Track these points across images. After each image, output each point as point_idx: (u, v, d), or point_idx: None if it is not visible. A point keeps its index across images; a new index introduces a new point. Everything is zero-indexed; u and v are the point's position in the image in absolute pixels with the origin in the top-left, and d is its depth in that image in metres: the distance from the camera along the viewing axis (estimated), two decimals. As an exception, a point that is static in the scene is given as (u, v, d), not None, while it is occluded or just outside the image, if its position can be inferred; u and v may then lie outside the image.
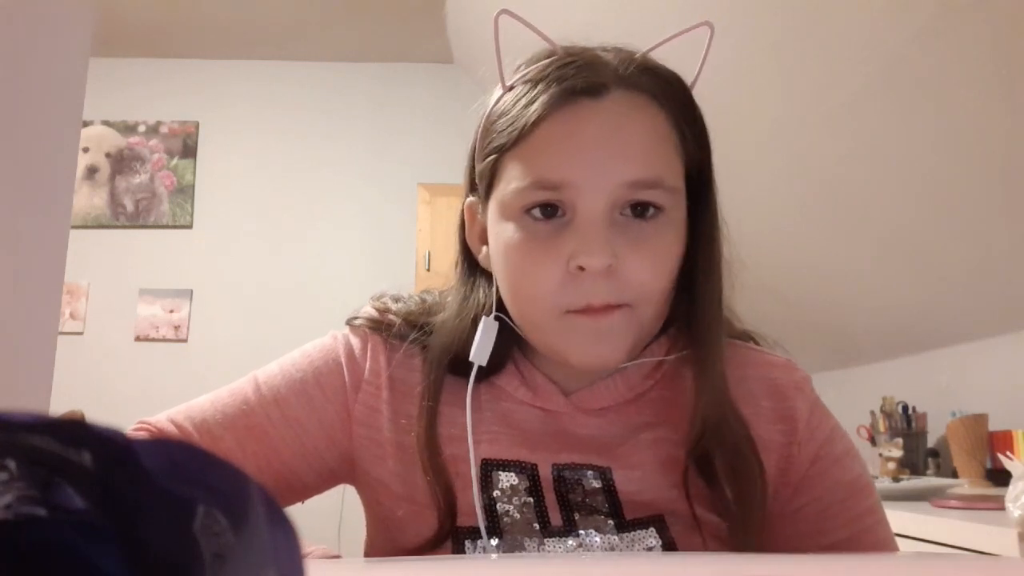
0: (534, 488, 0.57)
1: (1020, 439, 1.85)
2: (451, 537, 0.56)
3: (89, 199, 3.83)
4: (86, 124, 3.87)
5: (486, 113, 0.58)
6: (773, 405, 0.61)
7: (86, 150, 3.87)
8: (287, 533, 0.19)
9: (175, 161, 3.91)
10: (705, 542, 0.56)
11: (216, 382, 0.66)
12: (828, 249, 2.42)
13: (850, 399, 2.89)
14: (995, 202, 1.76)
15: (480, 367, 0.59)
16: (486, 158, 0.56)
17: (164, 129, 3.94)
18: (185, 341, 3.71)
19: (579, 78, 0.53)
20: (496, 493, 0.56)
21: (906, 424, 2.22)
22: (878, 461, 2.07)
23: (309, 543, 0.55)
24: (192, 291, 3.76)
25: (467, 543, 0.55)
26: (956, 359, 2.26)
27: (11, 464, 0.17)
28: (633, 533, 0.55)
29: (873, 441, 2.31)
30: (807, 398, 0.62)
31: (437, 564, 0.50)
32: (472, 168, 0.61)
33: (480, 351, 0.58)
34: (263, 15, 3.57)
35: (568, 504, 0.56)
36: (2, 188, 0.68)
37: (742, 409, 0.58)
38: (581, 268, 0.52)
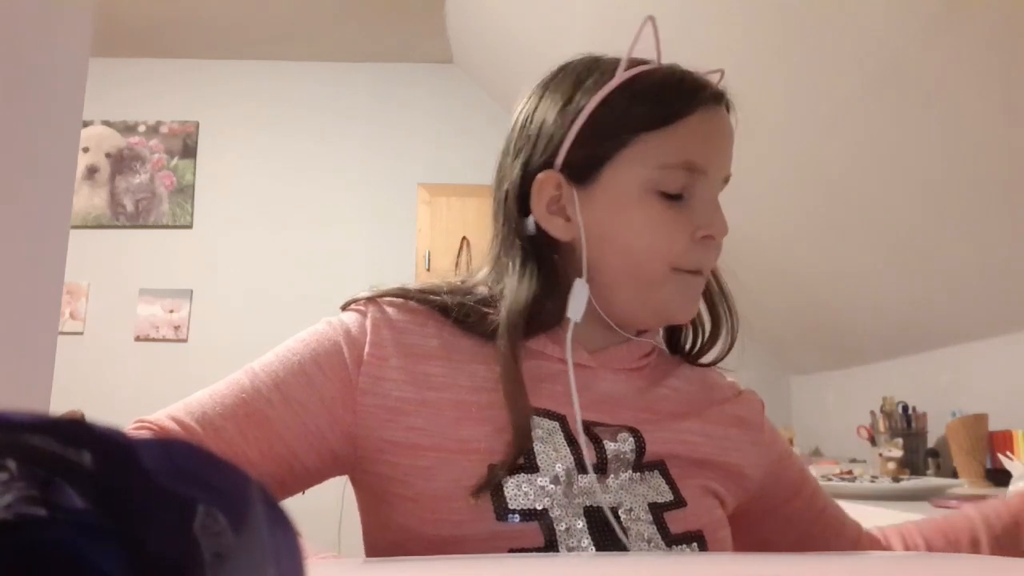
0: (565, 432, 0.64)
1: (1020, 439, 1.85)
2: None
3: (89, 199, 3.83)
4: (86, 124, 3.87)
5: (598, 98, 0.65)
6: (732, 410, 0.74)
7: (86, 150, 3.87)
8: (287, 533, 0.19)
9: (175, 161, 3.91)
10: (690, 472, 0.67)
11: (216, 382, 0.66)
12: (828, 249, 2.43)
13: (850, 399, 2.89)
14: (995, 202, 1.76)
15: (514, 332, 0.65)
16: (612, 136, 0.65)
17: (164, 129, 3.94)
18: (185, 341, 3.71)
19: (715, 88, 0.67)
20: (534, 434, 0.63)
21: (906, 424, 2.22)
22: (878, 461, 2.07)
23: (314, 549, 0.55)
24: (192, 291, 3.76)
25: (505, 478, 0.60)
26: (956, 359, 2.25)
27: (11, 464, 0.17)
28: (645, 473, 0.65)
29: (873, 441, 2.31)
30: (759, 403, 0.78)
31: (437, 564, 0.50)
32: (555, 147, 0.67)
33: (575, 309, 0.66)
34: (263, 15, 3.57)
35: (600, 445, 0.64)
36: (2, 188, 0.68)
37: (710, 409, 0.72)
38: (706, 237, 0.65)
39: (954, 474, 2.00)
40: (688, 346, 0.76)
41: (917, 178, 1.89)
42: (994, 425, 1.96)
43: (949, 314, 2.18)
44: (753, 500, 0.73)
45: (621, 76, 0.65)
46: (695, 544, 0.62)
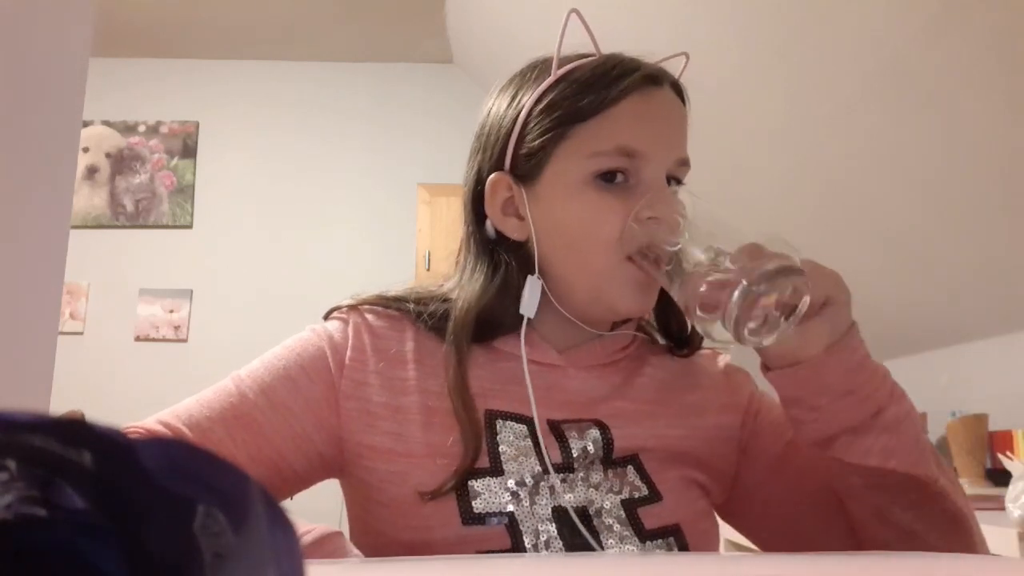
0: (532, 434, 0.64)
1: (1020, 439, 1.85)
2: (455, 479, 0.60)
3: (89, 199, 3.83)
4: (86, 124, 3.87)
5: (534, 97, 0.66)
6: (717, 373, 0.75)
7: (86, 150, 3.87)
8: (287, 533, 0.19)
9: (175, 161, 3.91)
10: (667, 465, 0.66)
11: (216, 382, 0.66)
12: (829, 249, 2.42)
13: (850, 399, 2.89)
14: (996, 202, 1.76)
15: (482, 332, 0.66)
16: (549, 131, 0.64)
17: (164, 129, 3.94)
18: (185, 341, 3.71)
19: (648, 69, 0.65)
20: (499, 437, 0.63)
21: (906, 424, 2.22)
22: (878, 461, 2.06)
23: (307, 523, 0.55)
24: (192, 291, 3.76)
25: (471, 482, 0.60)
26: (956, 359, 2.25)
27: (11, 464, 0.17)
28: (618, 469, 0.64)
29: (873, 441, 2.31)
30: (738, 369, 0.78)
31: (437, 564, 0.50)
32: (502, 148, 0.68)
33: (529, 305, 0.66)
34: (263, 15, 3.57)
35: (566, 444, 0.63)
36: (2, 188, 0.68)
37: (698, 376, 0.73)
38: (651, 218, 0.61)
39: (954, 474, 2.00)
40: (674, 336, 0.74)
41: (917, 178, 1.89)
42: (994, 425, 1.96)
43: (949, 314, 2.18)
44: (738, 484, 0.70)
45: (556, 73, 0.65)
46: (671, 539, 0.61)
